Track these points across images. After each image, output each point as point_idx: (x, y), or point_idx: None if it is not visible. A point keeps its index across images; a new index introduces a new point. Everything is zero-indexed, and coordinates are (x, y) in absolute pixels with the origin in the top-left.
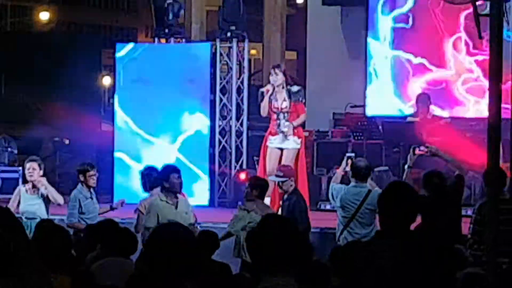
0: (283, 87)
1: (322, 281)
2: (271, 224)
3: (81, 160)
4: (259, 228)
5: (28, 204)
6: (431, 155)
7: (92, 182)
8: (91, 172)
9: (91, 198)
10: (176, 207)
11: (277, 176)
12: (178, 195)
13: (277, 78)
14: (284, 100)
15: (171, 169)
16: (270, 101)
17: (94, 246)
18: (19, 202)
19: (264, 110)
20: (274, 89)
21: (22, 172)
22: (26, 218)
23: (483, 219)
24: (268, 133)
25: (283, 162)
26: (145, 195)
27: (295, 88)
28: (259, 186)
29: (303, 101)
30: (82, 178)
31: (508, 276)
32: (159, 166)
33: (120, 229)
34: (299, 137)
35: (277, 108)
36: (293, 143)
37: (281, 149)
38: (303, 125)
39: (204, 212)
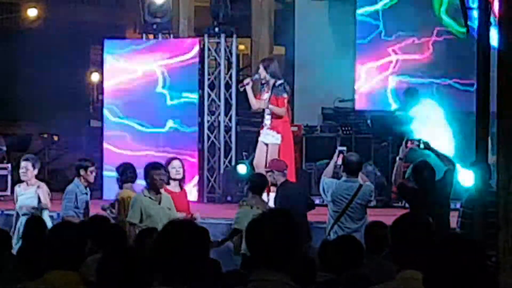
0: (269, 81)
1: (308, 276)
2: (273, 218)
3: (70, 156)
4: (261, 221)
5: (23, 198)
6: (423, 149)
7: (92, 178)
8: (92, 168)
9: (86, 194)
10: (159, 203)
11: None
12: (162, 190)
13: (260, 72)
14: (267, 92)
15: (150, 167)
16: (260, 94)
17: (85, 242)
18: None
19: (252, 104)
20: (262, 83)
21: (11, 169)
22: (22, 214)
23: (471, 212)
24: (260, 127)
25: (268, 157)
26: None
27: (277, 82)
28: (258, 182)
29: (285, 95)
30: (82, 173)
31: None
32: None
33: (110, 225)
34: (278, 132)
35: (261, 99)
36: (271, 138)
37: (267, 144)
38: (290, 119)
39: (193, 207)
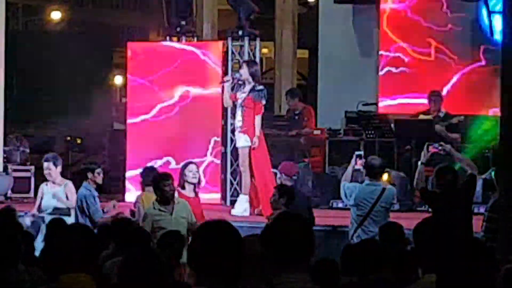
0: (248, 82)
1: (331, 279)
2: (286, 221)
3: (93, 159)
4: (275, 225)
5: (49, 198)
6: (445, 154)
7: (100, 179)
8: (99, 170)
9: (98, 196)
10: (172, 213)
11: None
12: (176, 197)
13: (242, 72)
14: (244, 92)
15: (159, 178)
16: (234, 92)
17: (107, 244)
18: (41, 200)
19: (225, 101)
20: (238, 81)
21: (35, 171)
22: (47, 213)
23: (496, 217)
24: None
25: (240, 160)
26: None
27: (258, 87)
28: (286, 193)
29: (263, 102)
30: (90, 176)
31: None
32: (170, 164)
33: (134, 227)
34: (249, 136)
35: (236, 98)
36: (243, 142)
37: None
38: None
39: (216, 210)
